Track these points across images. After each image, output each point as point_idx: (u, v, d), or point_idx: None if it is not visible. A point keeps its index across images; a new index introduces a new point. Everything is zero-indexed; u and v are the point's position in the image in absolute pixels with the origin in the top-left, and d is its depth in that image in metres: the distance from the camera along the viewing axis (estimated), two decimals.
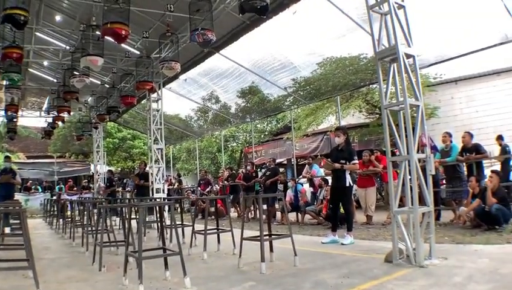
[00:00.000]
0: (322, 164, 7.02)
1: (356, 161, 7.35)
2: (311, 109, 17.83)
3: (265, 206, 5.83)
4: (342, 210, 7.67)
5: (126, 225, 6.68)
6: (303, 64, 11.70)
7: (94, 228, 8.10)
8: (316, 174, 11.88)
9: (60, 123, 15.99)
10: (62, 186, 24.52)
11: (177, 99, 14.88)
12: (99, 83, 13.78)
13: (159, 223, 8.58)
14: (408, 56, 5.52)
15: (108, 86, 13.43)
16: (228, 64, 12.04)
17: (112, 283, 5.06)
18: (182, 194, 18.25)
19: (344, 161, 7.26)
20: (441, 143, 9.45)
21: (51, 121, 16.04)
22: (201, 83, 13.86)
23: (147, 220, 10.01)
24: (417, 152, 5.34)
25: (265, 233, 5.71)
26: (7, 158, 13.17)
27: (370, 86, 14.27)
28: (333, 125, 17.93)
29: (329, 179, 11.90)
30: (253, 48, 10.88)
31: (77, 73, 9.69)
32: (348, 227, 7.35)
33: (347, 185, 7.27)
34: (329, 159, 7.48)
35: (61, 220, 11.62)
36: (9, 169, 12.08)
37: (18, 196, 16.69)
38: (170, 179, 20.77)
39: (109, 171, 17.17)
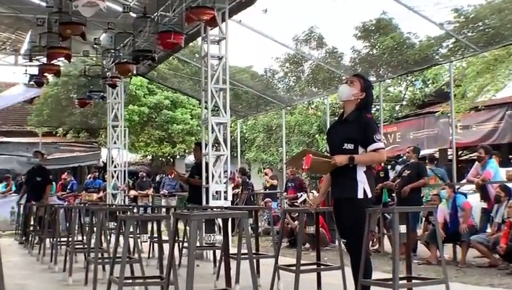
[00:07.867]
0: (304, 165, 5.59)
1: (381, 145, 6.15)
2: (485, 63, 17.53)
3: (403, 229, 5.73)
4: None
5: (166, 251, 6.88)
6: None
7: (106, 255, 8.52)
8: (493, 178, 11.76)
9: (50, 77, 16.43)
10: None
11: (251, 42, 14.96)
12: (120, 10, 14.00)
13: (221, 250, 8.77)
14: None
15: (135, 14, 13.66)
16: None
17: None
18: (254, 203, 18.41)
19: (351, 146, 6.09)
20: None
21: (35, 73, 16.08)
22: (293, 14, 13.87)
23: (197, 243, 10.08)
24: None
25: (401, 276, 5.73)
26: (37, 154, 16.76)
27: None
28: None
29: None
30: None
31: None
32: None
33: (359, 196, 6.01)
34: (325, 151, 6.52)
35: (48, 240, 12.10)
36: (38, 167, 16.25)
37: None
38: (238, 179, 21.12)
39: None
